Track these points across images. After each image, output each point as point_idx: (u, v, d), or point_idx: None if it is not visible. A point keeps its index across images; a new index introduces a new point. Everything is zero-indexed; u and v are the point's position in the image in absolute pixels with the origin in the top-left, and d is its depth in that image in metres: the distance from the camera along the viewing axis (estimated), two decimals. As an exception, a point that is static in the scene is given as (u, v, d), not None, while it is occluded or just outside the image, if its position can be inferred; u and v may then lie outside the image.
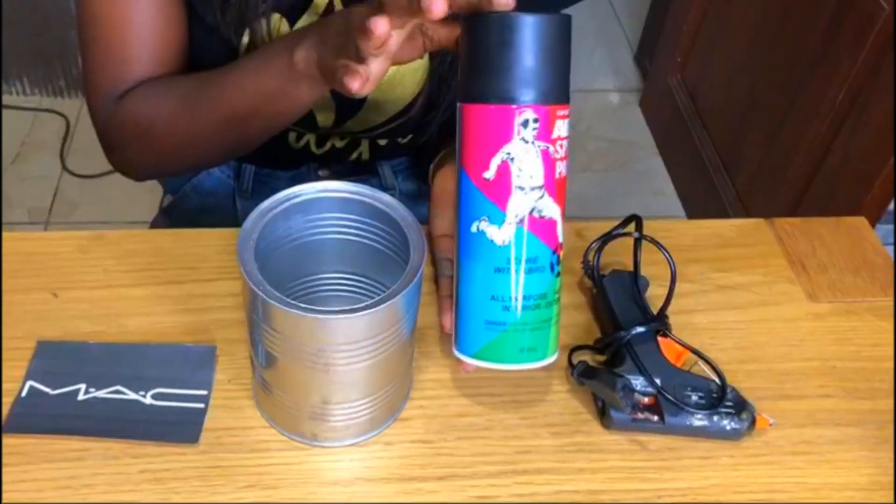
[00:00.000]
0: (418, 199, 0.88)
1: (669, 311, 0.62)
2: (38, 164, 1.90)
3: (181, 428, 0.56)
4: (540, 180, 0.51)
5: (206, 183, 0.85)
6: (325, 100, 0.74)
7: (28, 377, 0.58)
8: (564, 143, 0.52)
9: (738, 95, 1.69)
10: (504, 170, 0.51)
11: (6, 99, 2.02)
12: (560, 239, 0.54)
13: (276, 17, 0.69)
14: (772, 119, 1.56)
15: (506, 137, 0.50)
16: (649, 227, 0.64)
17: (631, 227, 0.65)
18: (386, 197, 0.54)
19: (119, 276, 0.65)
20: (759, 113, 1.62)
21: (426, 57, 0.73)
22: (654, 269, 0.64)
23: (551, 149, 0.51)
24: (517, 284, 0.53)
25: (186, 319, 0.62)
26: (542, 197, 0.52)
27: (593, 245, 0.66)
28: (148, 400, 0.57)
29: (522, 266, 0.53)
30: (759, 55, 1.61)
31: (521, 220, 0.52)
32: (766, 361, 0.64)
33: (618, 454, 0.57)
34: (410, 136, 0.82)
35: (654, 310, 0.62)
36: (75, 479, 0.53)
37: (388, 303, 0.48)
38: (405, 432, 0.57)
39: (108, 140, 0.73)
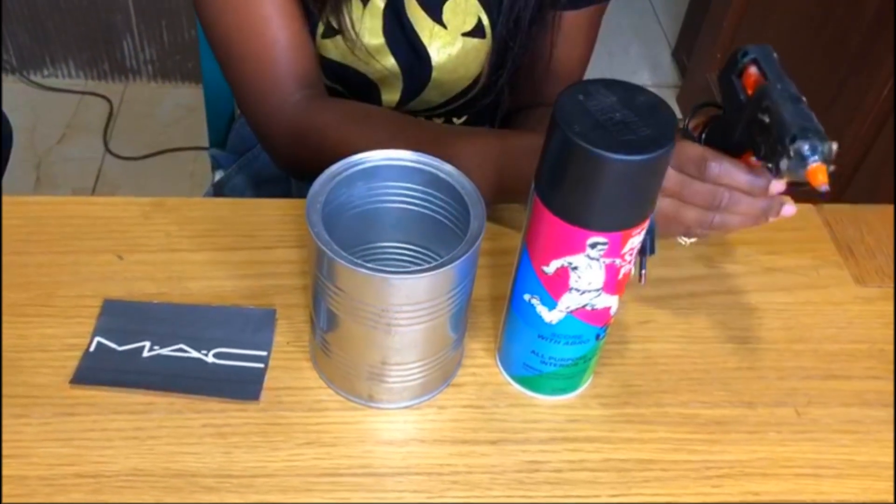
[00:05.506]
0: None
1: (716, 289, 0.62)
2: (81, 145, 1.94)
3: (242, 386, 0.58)
4: (598, 285, 0.51)
5: (259, 158, 0.87)
6: (394, 77, 0.75)
7: (95, 333, 0.60)
8: (636, 247, 0.50)
9: (777, 92, 1.68)
10: (563, 272, 0.50)
11: (52, 81, 2.06)
12: (612, 313, 0.54)
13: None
14: (812, 116, 1.56)
15: (572, 251, 0.49)
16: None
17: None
18: (448, 167, 0.55)
19: (180, 241, 0.67)
20: (800, 110, 1.61)
21: (488, 37, 0.75)
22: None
23: (618, 261, 0.49)
24: (557, 351, 0.55)
25: (246, 284, 0.64)
26: (598, 296, 0.51)
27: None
28: (210, 359, 0.59)
29: (566, 340, 0.54)
30: (801, 52, 1.60)
31: (573, 311, 0.52)
32: (814, 342, 0.64)
33: (666, 426, 0.58)
34: (466, 117, 0.83)
35: None
36: (142, 431, 0.55)
37: (448, 266, 0.50)
38: (458, 397, 0.59)
39: (281, 141, 0.72)
